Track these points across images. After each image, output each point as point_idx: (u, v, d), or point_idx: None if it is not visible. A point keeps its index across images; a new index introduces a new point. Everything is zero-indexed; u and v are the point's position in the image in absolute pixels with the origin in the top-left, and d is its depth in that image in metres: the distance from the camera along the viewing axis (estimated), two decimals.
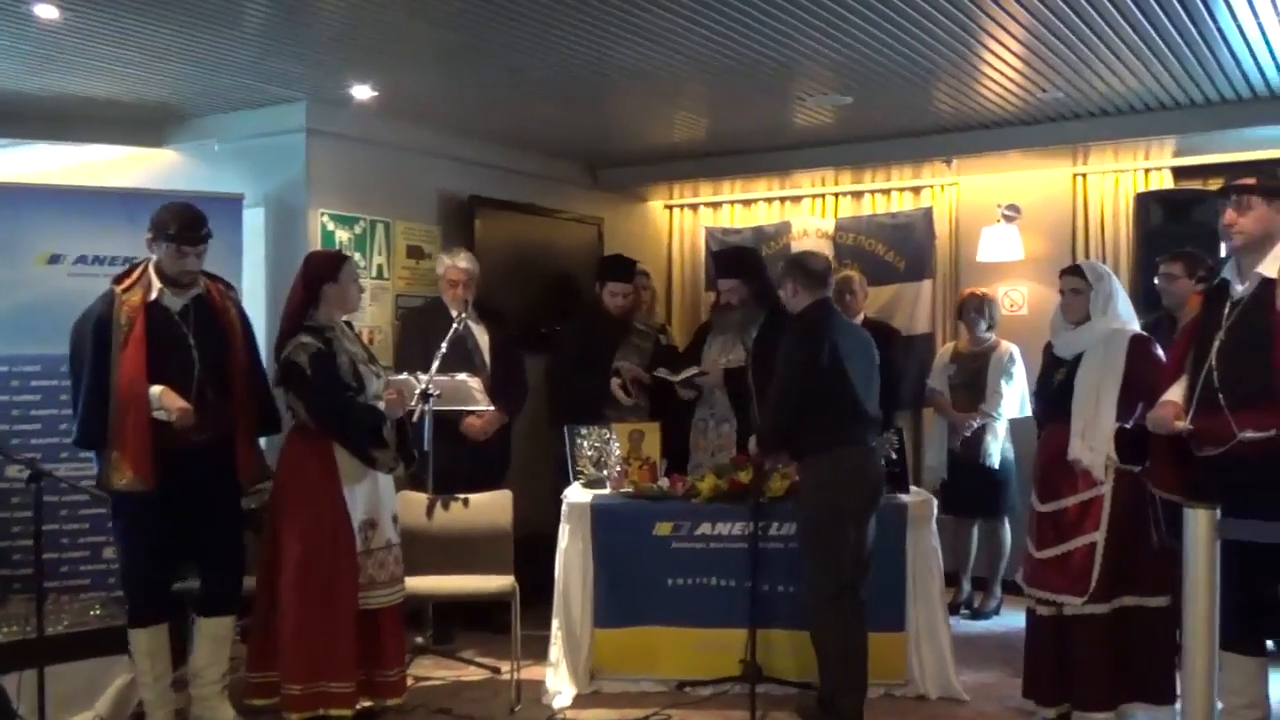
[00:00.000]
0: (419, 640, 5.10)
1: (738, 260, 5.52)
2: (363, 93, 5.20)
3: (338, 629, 3.95)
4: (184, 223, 4.02)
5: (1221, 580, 2.70)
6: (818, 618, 4.24)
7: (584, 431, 5.07)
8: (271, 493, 4.19)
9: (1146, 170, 6.27)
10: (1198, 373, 3.59)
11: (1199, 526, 2.74)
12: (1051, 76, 4.97)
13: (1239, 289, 3.56)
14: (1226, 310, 3.56)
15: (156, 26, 4.26)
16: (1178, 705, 4.08)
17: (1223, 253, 5.37)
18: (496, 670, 4.97)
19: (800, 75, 4.96)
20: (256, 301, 5.29)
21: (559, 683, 4.60)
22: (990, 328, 6.09)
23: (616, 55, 4.63)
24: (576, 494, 4.84)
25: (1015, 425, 6.01)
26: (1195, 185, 6.10)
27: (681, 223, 7.81)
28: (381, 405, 4.14)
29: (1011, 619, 5.79)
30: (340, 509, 4.00)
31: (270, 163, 5.55)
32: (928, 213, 6.86)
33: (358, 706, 4.10)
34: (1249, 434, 3.41)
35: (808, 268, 4.43)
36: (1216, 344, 3.54)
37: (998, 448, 5.91)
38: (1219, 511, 2.73)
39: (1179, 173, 6.23)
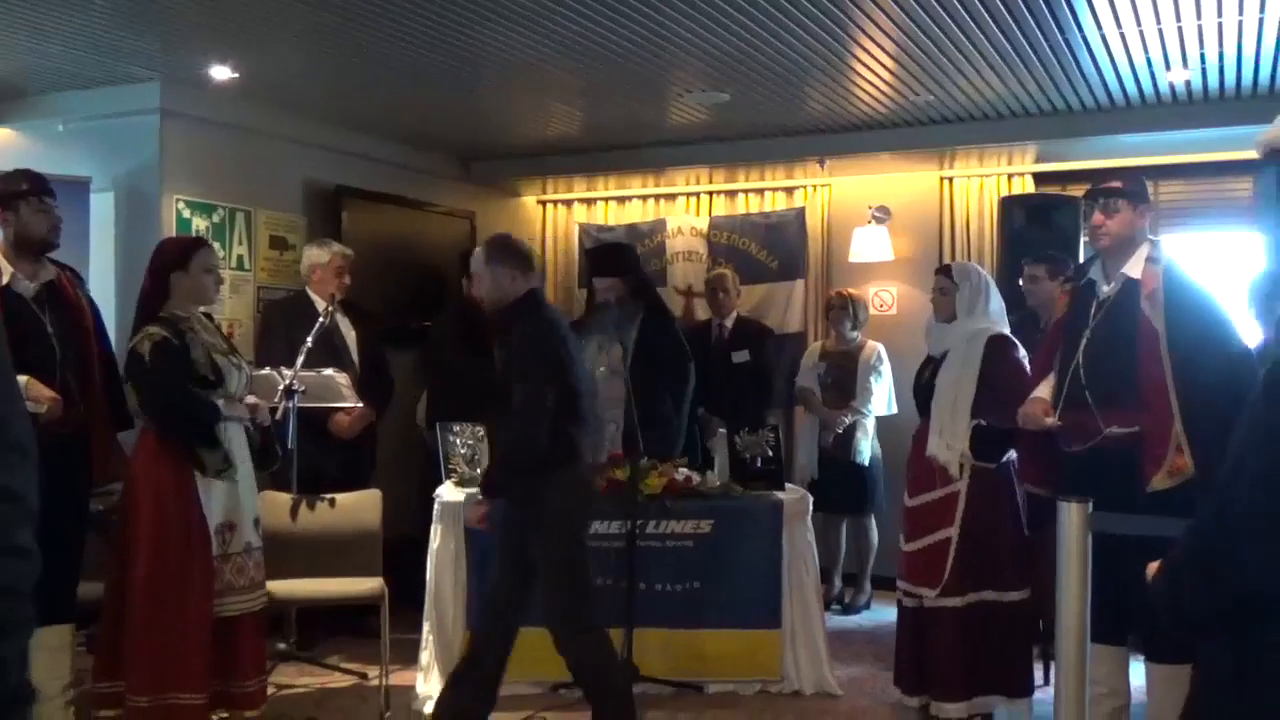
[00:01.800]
0: (281, 646, 4.88)
1: (615, 257, 5.43)
2: (221, 74, 4.95)
3: (188, 638, 3.70)
4: (32, 176, 3.84)
5: None
6: (581, 653, 3.72)
7: (456, 429, 4.93)
8: (123, 492, 3.94)
9: (1009, 175, 6.45)
10: (1066, 371, 3.68)
11: (1072, 520, 2.78)
12: (921, 78, 5.06)
13: (1105, 289, 3.66)
14: (1093, 310, 3.66)
15: None
16: (1035, 696, 4.20)
17: (1082, 256, 5.59)
18: (364, 676, 4.79)
19: (674, 68, 4.93)
20: (106, 291, 5.00)
21: (430, 687, 4.45)
22: (856, 327, 6.17)
23: (485, 40, 4.51)
24: (449, 493, 4.70)
25: (881, 423, 6.11)
26: (1055, 190, 6.31)
27: (555, 218, 7.71)
28: (223, 406, 3.86)
29: (881, 613, 5.89)
30: (194, 510, 3.76)
31: (120, 145, 5.24)
32: (801, 213, 6.92)
33: (212, 719, 3.89)
34: (1114, 430, 3.51)
35: (519, 250, 3.81)
36: (1084, 343, 3.63)
37: (868, 445, 6.00)
38: (1090, 505, 2.79)
39: (1040, 178, 6.43)
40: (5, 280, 3.77)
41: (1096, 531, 2.82)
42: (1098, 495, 2.90)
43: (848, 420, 5.98)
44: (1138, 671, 3.72)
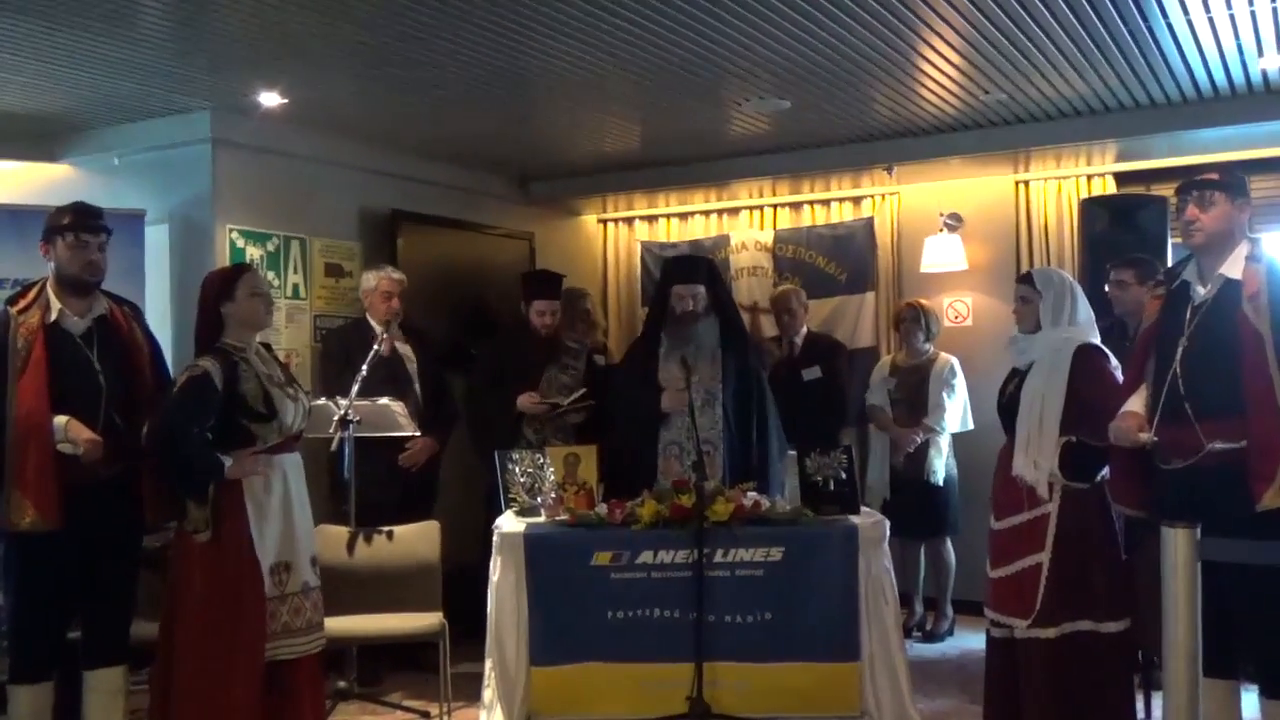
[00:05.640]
0: (342, 684, 4.76)
1: (705, 266, 5.22)
2: (270, 100, 4.89)
3: (237, 681, 3.58)
4: (78, 209, 3.77)
5: None
6: None
7: (516, 456, 4.77)
8: (176, 530, 3.84)
9: (1089, 176, 6.17)
10: (1161, 381, 3.42)
11: (1178, 548, 2.54)
12: (993, 76, 4.82)
13: (1201, 292, 3.40)
14: (1189, 315, 3.40)
15: (45, 29, 3.97)
16: None
17: (1170, 259, 5.29)
18: (426, 714, 4.65)
19: (734, 77, 4.76)
20: (162, 324, 4.95)
21: None
22: (928, 339, 5.93)
23: (539, 56, 4.39)
24: (509, 523, 4.53)
25: (958, 440, 5.85)
26: (1139, 190, 6.02)
27: (616, 237, 7.59)
28: (228, 463, 3.63)
29: (966, 640, 5.63)
30: (246, 549, 3.65)
31: (174, 176, 5.21)
32: (869, 223, 6.70)
33: None
34: (1218, 445, 3.24)
35: None
36: (1180, 350, 3.37)
37: (942, 464, 5.75)
38: (1198, 531, 2.55)
39: (1122, 178, 6.14)
40: (53, 316, 3.71)
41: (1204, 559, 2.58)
42: (1199, 516, 2.66)
43: (919, 440, 5.73)
44: (1251, 702, 3.44)
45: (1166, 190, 5.59)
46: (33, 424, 3.56)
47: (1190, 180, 3.45)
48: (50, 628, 3.72)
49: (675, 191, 6.99)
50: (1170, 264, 4.96)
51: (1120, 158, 5.97)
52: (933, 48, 4.41)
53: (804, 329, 6.13)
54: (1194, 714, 2.53)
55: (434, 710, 4.57)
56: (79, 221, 3.73)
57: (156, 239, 5.13)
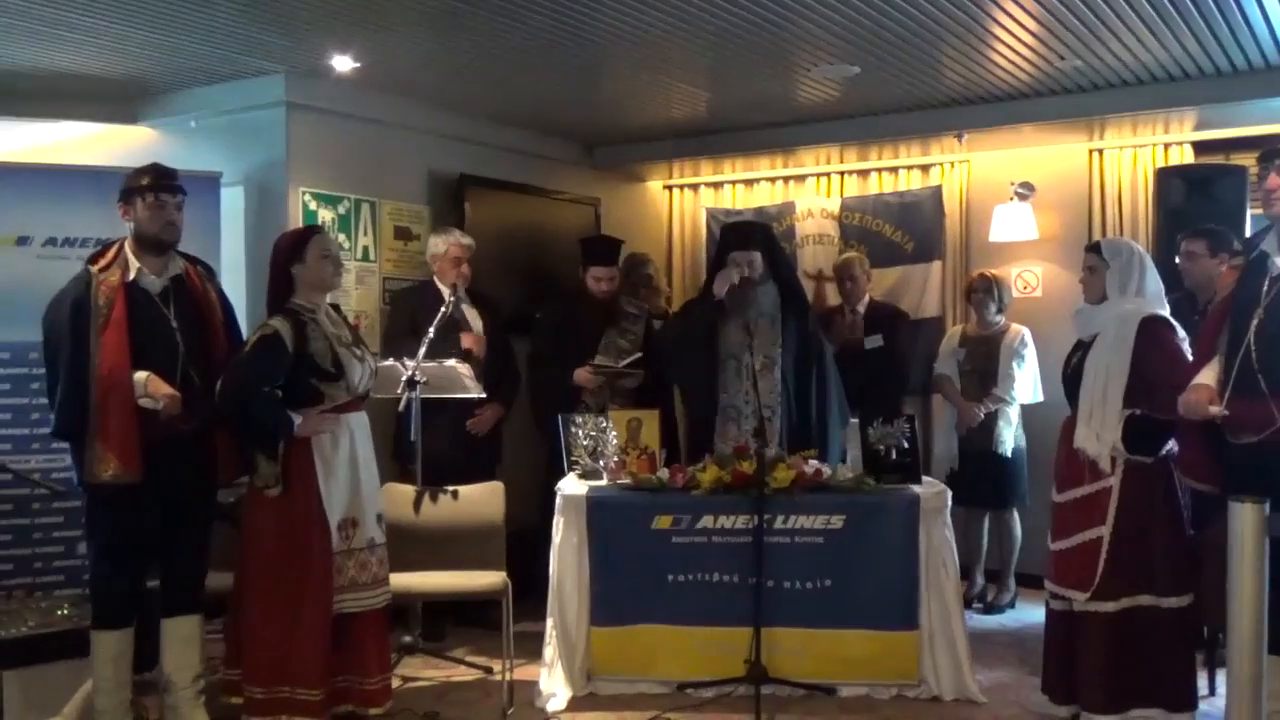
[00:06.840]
0: (407, 639, 4.88)
1: (761, 232, 5.24)
2: (343, 64, 4.94)
3: (305, 632, 3.70)
4: (156, 170, 3.86)
5: None
6: None
7: (579, 420, 4.83)
8: (248, 485, 3.96)
9: (1166, 145, 6.02)
10: (1234, 354, 3.37)
11: (1246, 522, 2.52)
12: (1068, 42, 4.72)
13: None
14: (1266, 286, 3.33)
15: None
16: (1200, 708, 3.87)
17: (1247, 231, 5.17)
18: (489, 670, 4.75)
19: (801, 40, 4.71)
20: (236, 284, 5.07)
21: (553, 684, 4.38)
22: (1000, 310, 5.87)
23: (607, 20, 4.38)
24: (571, 485, 4.61)
25: (1027, 412, 5.79)
26: (1218, 160, 5.87)
27: (681, 204, 7.58)
28: (298, 421, 3.76)
29: (1027, 613, 5.59)
30: (314, 505, 3.75)
31: (249, 139, 5.30)
32: (937, 191, 6.61)
33: (336, 711, 3.88)
34: None
35: None
36: (1255, 322, 3.32)
37: (1011, 434, 5.69)
38: (1268, 506, 2.52)
39: (1200, 147, 5.98)
40: (132, 275, 3.81)
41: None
42: (1269, 491, 2.63)
43: (982, 414, 5.67)
44: None
45: (1246, 160, 5.46)
46: (115, 380, 3.67)
47: (1273, 148, 3.40)
48: (130, 576, 3.84)
49: (741, 158, 6.95)
50: (1248, 235, 4.85)
51: (1199, 126, 5.82)
52: (1007, 12, 4.32)
53: (866, 297, 6.09)
54: (1258, 691, 2.52)
55: (496, 666, 4.66)
56: (157, 182, 3.82)
57: (231, 201, 5.23)
